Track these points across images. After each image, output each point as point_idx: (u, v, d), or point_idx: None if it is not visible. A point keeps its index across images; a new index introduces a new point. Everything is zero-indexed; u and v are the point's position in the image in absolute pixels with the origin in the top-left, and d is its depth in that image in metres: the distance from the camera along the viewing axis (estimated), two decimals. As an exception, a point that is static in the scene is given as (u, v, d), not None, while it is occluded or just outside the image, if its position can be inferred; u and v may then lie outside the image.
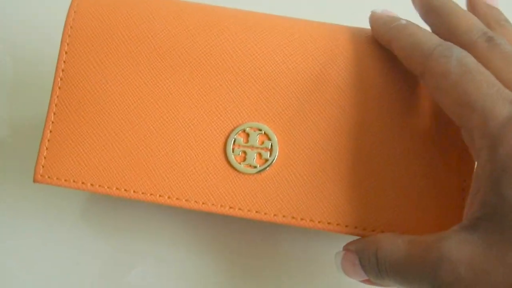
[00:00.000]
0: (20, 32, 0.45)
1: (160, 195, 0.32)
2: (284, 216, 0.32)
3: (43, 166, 0.33)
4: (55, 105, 0.34)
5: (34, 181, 0.33)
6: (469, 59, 0.28)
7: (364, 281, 0.31)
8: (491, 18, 0.32)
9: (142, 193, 0.33)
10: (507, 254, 0.24)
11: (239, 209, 0.32)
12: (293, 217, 0.32)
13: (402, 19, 0.32)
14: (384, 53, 0.33)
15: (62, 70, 0.34)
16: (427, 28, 0.32)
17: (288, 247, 0.38)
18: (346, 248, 0.32)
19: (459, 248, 0.25)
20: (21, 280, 0.39)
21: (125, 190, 0.33)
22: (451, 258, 0.25)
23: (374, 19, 0.34)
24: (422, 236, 0.28)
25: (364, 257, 0.30)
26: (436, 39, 0.30)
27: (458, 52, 0.28)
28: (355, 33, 0.34)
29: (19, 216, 0.40)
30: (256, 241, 0.38)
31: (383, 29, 0.32)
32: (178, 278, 0.38)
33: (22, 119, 0.43)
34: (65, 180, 0.33)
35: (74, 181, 0.33)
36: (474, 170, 0.27)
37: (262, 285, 0.38)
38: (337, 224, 0.32)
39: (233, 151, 0.32)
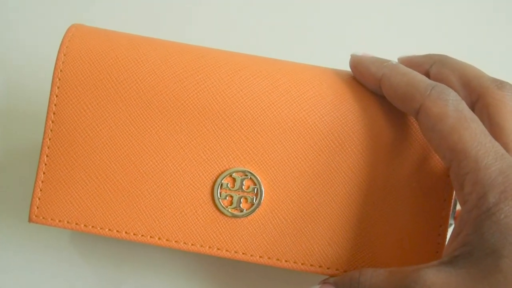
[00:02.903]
0: (16, 57, 0.46)
1: (150, 236, 0.34)
2: (269, 258, 0.33)
3: (37, 207, 0.34)
4: (48, 147, 0.35)
5: (30, 221, 0.35)
6: (464, 105, 0.29)
7: None
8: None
9: (134, 234, 0.34)
10: (476, 285, 0.26)
11: (226, 250, 0.34)
12: (277, 259, 0.33)
13: (390, 60, 0.33)
14: (365, 95, 0.34)
15: (54, 113, 0.35)
16: None
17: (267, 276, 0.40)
18: (323, 281, 0.33)
19: (434, 275, 0.28)
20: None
21: (117, 231, 0.34)
22: (426, 282, 0.27)
23: (358, 60, 0.34)
24: (402, 267, 0.30)
25: (344, 286, 0.32)
26: (429, 80, 0.31)
27: (454, 96, 0.30)
28: (334, 76, 0.35)
29: (11, 240, 0.42)
30: (242, 271, 0.40)
31: (373, 68, 0.33)
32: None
33: (14, 143, 0.44)
34: (59, 221, 0.34)
35: (68, 222, 0.34)
36: (459, 214, 0.29)
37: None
38: (319, 266, 0.33)
39: (220, 195, 0.34)
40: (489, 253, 0.26)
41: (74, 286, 0.40)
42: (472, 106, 0.32)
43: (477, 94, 0.31)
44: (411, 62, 0.34)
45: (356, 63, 0.34)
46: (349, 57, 0.35)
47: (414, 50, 0.36)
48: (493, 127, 0.30)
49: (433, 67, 0.33)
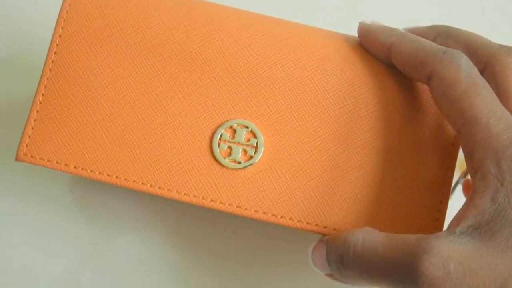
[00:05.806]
0: (17, 7, 0.45)
1: (142, 183, 0.33)
2: (264, 213, 0.32)
3: (27, 145, 0.33)
4: (44, 86, 0.34)
5: (17, 159, 0.33)
6: (476, 71, 0.29)
7: (327, 275, 0.32)
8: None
9: (125, 179, 0.33)
10: (496, 259, 0.26)
11: (220, 202, 0.32)
12: (273, 215, 0.32)
13: (398, 28, 0.34)
14: (373, 61, 0.34)
15: (55, 53, 0.34)
16: None
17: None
18: (320, 239, 0.32)
19: (449, 247, 0.26)
20: (13, 250, 0.39)
21: (107, 175, 0.33)
22: (441, 254, 0.26)
23: (367, 28, 0.34)
24: (399, 234, 0.28)
25: (332, 246, 0.30)
26: (439, 45, 0.31)
27: (465, 60, 0.30)
28: (342, 40, 0.35)
29: (8, 190, 0.40)
30: (236, 227, 0.39)
31: (382, 36, 0.33)
32: (157, 255, 0.39)
33: (9, 92, 0.43)
34: (48, 161, 0.33)
35: (57, 162, 0.33)
36: (469, 183, 0.28)
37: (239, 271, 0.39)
38: (316, 225, 0.32)
39: (218, 146, 0.33)
40: (506, 223, 0.26)
41: (69, 237, 0.39)
42: (480, 74, 0.32)
43: (484, 62, 0.31)
44: (414, 33, 0.35)
45: (365, 31, 0.35)
46: (357, 25, 0.35)
47: (418, 22, 0.36)
48: (501, 94, 0.30)
49: (437, 39, 0.34)
